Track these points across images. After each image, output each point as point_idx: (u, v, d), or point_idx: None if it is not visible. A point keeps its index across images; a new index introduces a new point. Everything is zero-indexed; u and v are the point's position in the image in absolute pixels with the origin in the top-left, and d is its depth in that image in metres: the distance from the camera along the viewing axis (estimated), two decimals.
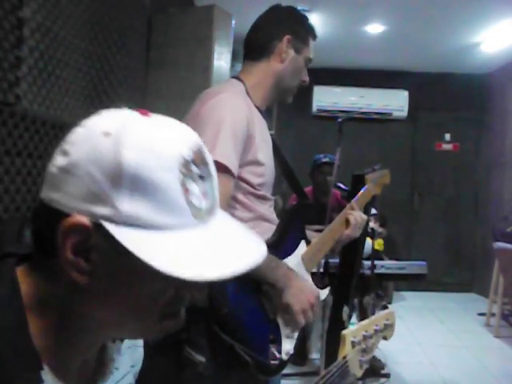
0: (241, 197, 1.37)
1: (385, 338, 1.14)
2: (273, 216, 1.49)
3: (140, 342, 0.77)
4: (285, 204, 3.73)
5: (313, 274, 1.54)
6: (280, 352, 1.38)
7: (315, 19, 4.25)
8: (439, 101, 6.09)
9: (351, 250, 2.59)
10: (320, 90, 5.89)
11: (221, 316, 1.29)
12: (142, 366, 0.78)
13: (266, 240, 1.40)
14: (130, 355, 0.74)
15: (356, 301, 3.31)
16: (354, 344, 1.02)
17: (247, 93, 1.44)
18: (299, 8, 1.58)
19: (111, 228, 0.50)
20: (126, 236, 0.50)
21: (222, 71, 3.27)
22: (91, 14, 2.62)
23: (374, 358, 3.35)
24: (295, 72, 1.51)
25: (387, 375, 3.34)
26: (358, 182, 1.83)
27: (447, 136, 6.21)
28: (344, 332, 1.02)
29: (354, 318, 2.89)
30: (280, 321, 1.40)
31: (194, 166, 0.54)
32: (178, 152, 0.53)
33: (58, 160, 0.54)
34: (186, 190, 0.53)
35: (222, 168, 1.25)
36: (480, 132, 6.12)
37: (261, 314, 1.36)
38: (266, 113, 1.52)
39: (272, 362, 1.35)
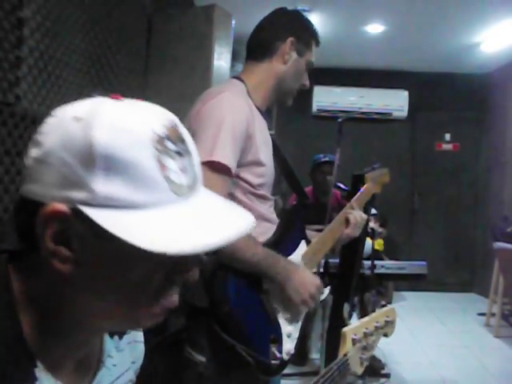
0: (241, 196, 1.37)
1: (385, 335, 1.13)
2: (273, 216, 1.49)
3: (141, 338, 0.76)
4: (285, 204, 3.73)
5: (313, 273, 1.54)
6: (281, 352, 1.38)
7: (315, 19, 4.25)
8: (439, 101, 6.09)
9: (351, 249, 2.59)
10: (320, 90, 5.89)
11: (222, 314, 1.29)
12: (143, 365, 0.77)
13: (267, 240, 1.41)
14: (130, 351, 0.73)
15: (356, 299, 3.30)
16: (354, 341, 1.02)
17: (248, 93, 1.44)
18: (299, 8, 1.60)
19: (89, 211, 0.49)
20: (104, 218, 0.49)
21: (222, 71, 3.27)
22: (91, 14, 2.62)
23: (374, 358, 3.35)
24: (297, 74, 1.52)
25: (387, 375, 3.34)
26: (357, 182, 1.83)
27: (447, 136, 6.21)
28: (345, 329, 1.02)
29: (354, 318, 2.88)
30: (281, 320, 1.40)
31: (169, 143, 0.53)
32: (150, 129, 0.52)
33: (32, 152, 0.54)
34: (163, 167, 0.52)
35: (220, 168, 1.25)
36: (480, 132, 6.12)
37: (262, 313, 1.36)
38: (266, 113, 1.52)
39: (273, 361, 1.35)
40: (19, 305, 0.54)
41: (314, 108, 5.98)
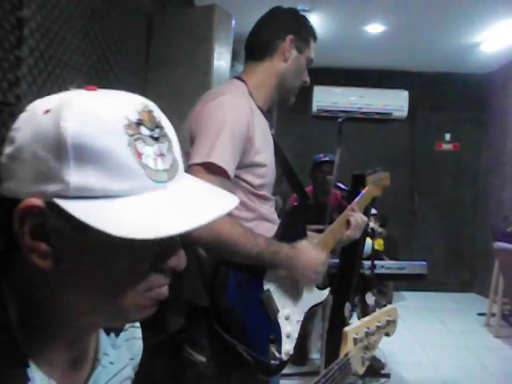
0: (242, 197, 1.37)
1: (387, 335, 1.13)
2: (274, 216, 1.49)
3: (139, 335, 0.76)
4: (285, 204, 3.73)
5: None
6: (280, 352, 1.38)
7: (315, 19, 4.25)
8: (439, 101, 6.09)
9: (351, 250, 2.59)
10: (320, 90, 5.89)
11: (222, 313, 1.29)
12: (143, 366, 0.77)
13: None
14: (128, 348, 0.72)
15: (357, 299, 3.30)
16: (356, 341, 1.02)
17: (250, 93, 1.45)
18: (299, 8, 1.60)
19: (63, 203, 0.48)
20: (78, 209, 0.48)
21: (222, 71, 3.27)
22: (91, 14, 2.62)
23: (374, 358, 3.35)
24: (298, 72, 1.52)
25: (387, 375, 3.34)
26: (358, 182, 1.83)
27: (447, 136, 6.21)
28: (346, 329, 1.02)
29: (354, 318, 2.88)
30: (280, 321, 1.40)
31: (143, 128, 0.52)
32: (121, 115, 0.51)
33: (6, 149, 0.53)
34: (137, 153, 0.51)
35: (216, 170, 1.25)
36: (480, 132, 6.12)
37: (261, 313, 1.36)
38: (267, 113, 1.52)
39: (272, 361, 1.35)
40: (8, 306, 0.54)
41: (314, 108, 5.98)
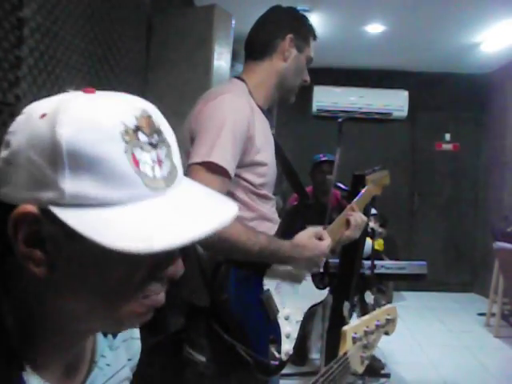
0: (243, 196, 1.37)
1: (387, 333, 1.13)
2: (274, 216, 1.49)
3: (137, 335, 0.75)
4: (285, 204, 3.73)
5: (313, 274, 1.54)
6: (280, 352, 1.38)
7: (315, 19, 4.25)
8: (439, 101, 6.09)
9: (351, 250, 2.59)
10: (320, 90, 5.89)
11: (222, 313, 1.29)
12: (143, 366, 0.77)
13: None
14: (126, 349, 0.72)
15: (356, 298, 3.30)
16: (354, 340, 1.02)
17: (250, 92, 1.44)
18: (299, 8, 1.59)
19: (58, 211, 0.47)
20: (73, 217, 0.47)
21: (222, 71, 3.27)
22: (91, 14, 2.63)
23: (374, 358, 3.35)
24: (298, 71, 1.52)
25: (387, 375, 3.34)
26: (358, 182, 1.83)
27: (447, 136, 6.21)
28: (345, 328, 1.01)
29: (354, 317, 2.88)
30: (280, 321, 1.40)
31: (141, 134, 0.51)
32: (118, 121, 0.49)
33: (2, 153, 0.52)
34: (134, 160, 0.49)
35: (216, 169, 1.25)
36: (480, 132, 6.12)
37: (261, 314, 1.36)
38: (267, 112, 1.52)
39: (272, 362, 1.35)
40: (3, 310, 0.53)
41: (314, 108, 5.98)
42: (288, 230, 1.49)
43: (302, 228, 1.56)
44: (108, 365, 0.66)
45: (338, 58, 5.58)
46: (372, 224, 3.49)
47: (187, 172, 1.24)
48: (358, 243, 2.60)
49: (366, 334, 1.05)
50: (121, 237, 0.46)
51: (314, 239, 1.43)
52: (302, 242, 1.40)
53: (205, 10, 3.29)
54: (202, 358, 1.31)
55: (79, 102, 0.51)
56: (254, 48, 1.51)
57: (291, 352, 1.43)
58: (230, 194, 1.32)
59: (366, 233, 2.86)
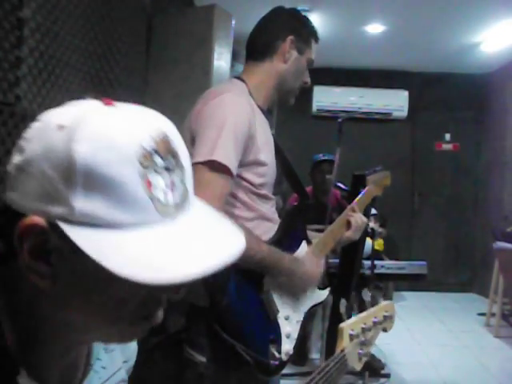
0: (243, 196, 1.37)
1: (385, 330, 1.12)
2: (274, 216, 1.49)
3: None
4: (285, 204, 3.73)
5: None
6: (280, 352, 1.38)
7: (315, 19, 4.25)
8: (439, 101, 6.09)
9: (351, 250, 2.59)
10: (320, 90, 5.89)
11: (222, 313, 1.29)
12: (143, 366, 0.77)
13: (268, 239, 1.41)
14: (121, 351, 0.72)
15: (354, 294, 3.30)
16: (352, 337, 1.01)
17: (250, 93, 1.44)
18: (299, 8, 1.59)
19: (66, 228, 0.47)
20: (81, 236, 0.47)
21: (222, 71, 3.27)
22: (91, 14, 2.62)
23: (374, 358, 3.35)
24: (298, 73, 1.52)
25: (387, 375, 3.34)
26: (358, 182, 1.83)
27: (447, 136, 6.21)
28: (342, 325, 1.01)
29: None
30: (280, 321, 1.40)
31: (157, 157, 0.50)
32: (136, 142, 0.49)
33: (15, 158, 0.51)
34: (149, 184, 0.49)
35: (219, 168, 1.25)
36: (480, 132, 6.12)
37: (261, 314, 1.36)
38: (267, 112, 1.52)
39: (272, 362, 1.35)
40: (2, 315, 0.53)
41: (314, 108, 5.98)
42: (288, 230, 1.49)
43: (303, 228, 1.56)
44: (103, 367, 0.66)
45: (338, 57, 5.58)
46: (372, 224, 3.49)
47: None
48: (358, 243, 2.60)
49: (364, 330, 1.05)
50: (129, 263, 0.46)
51: (313, 256, 1.44)
52: (301, 257, 1.42)
53: (205, 9, 3.29)
54: (202, 358, 1.31)
55: (98, 118, 0.50)
56: (255, 49, 1.51)
57: (291, 352, 1.43)
58: (231, 194, 1.32)
59: (366, 233, 2.86)
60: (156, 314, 0.56)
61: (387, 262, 3.55)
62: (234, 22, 3.35)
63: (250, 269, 1.31)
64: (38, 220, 0.48)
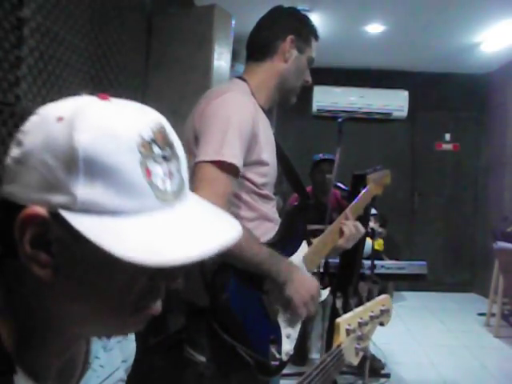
0: (245, 196, 1.37)
1: (382, 324, 1.12)
2: (275, 216, 1.49)
3: (132, 336, 0.75)
4: (285, 204, 3.73)
5: (313, 274, 1.54)
6: (280, 352, 1.38)
7: (315, 19, 4.23)
8: (439, 101, 6.09)
9: (351, 250, 2.59)
10: (320, 90, 5.89)
11: (222, 313, 1.28)
12: (143, 366, 0.77)
13: (269, 239, 1.41)
14: (120, 350, 0.72)
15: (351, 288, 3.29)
16: (348, 332, 1.01)
17: (252, 93, 1.44)
18: (299, 8, 1.58)
19: (68, 216, 0.47)
20: (83, 223, 0.47)
21: (222, 71, 3.27)
22: (91, 14, 2.62)
23: (374, 358, 3.35)
24: (298, 72, 1.51)
25: (387, 375, 3.34)
26: (358, 182, 1.83)
27: (447, 136, 6.21)
28: (338, 320, 1.01)
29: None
30: (280, 321, 1.40)
31: (155, 147, 0.51)
32: (136, 132, 0.50)
33: (13, 151, 0.52)
34: (148, 172, 0.50)
35: (228, 168, 1.25)
36: (480, 132, 6.12)
37: (262, 314, 1.36)
38: (268, 112, 1.52)
39: (272, 362, 1.35)
40: None
41: (314, 108, 5.98)
42: (289, 230, 1.48)
43: (303, 228, 1.56)
44: (102, 366, 0.66)
45: (338, 57, 5.58)
46: (372, 224, 3.49)
47: (194, 170, 1.24)
48: (358, 243, 2.60)
49: (360, 325, 1.04)
50: (131, 247, 0.47)
51: (307, 275, 1.45)
52: (298, 269, 1.41)
53: (205, 10, 3.29)
54: (203, 358, 1.31)
55: (96, 109, 0.51)
56: (255, 49, 1.51)
57: (291, 352, 1.43)
58: (234, 195, 1.32)
59: (366, 233, 2.86)
60: (156, 304, 0.56)
61: (387, 262, 3.55)
62: (233, 22, 3.35)
63: (249, 270, 1.31)
64: (39, 210, 0.48)
